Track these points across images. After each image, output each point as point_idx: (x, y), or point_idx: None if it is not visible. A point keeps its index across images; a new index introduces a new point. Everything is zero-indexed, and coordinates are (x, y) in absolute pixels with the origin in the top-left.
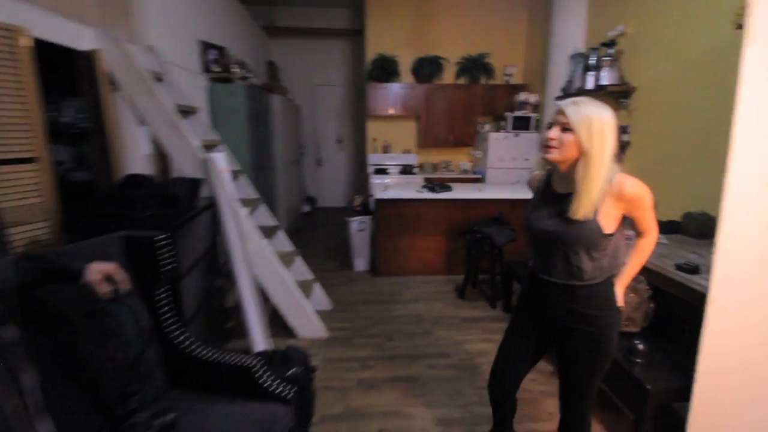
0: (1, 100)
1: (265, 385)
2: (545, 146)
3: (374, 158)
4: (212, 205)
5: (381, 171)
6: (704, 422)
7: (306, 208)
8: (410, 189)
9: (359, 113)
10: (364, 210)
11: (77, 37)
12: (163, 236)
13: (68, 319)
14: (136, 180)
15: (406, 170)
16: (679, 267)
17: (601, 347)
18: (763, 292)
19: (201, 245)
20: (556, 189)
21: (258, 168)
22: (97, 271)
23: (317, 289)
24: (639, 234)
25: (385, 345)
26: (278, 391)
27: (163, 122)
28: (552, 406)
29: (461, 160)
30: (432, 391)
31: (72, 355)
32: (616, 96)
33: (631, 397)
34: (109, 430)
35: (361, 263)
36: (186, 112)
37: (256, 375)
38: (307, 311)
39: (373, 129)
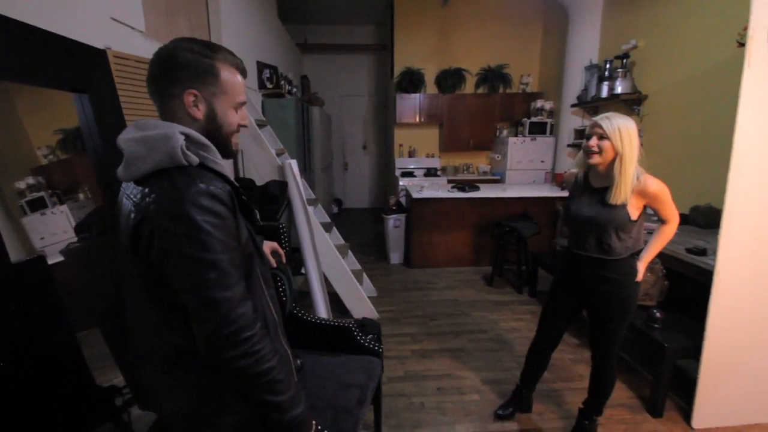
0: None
1: (362, 341)
2: (588, 153)
3: (400, 162)
4: (288, 203)
5: (407, 174)
6: (712, 375)
7: (334, 209)
8: (441, 189)
9: (383, 121)
10: (399, 208)
11: None
12: (283, 224)
13: None
14: (242, 183)
15: (430, 173)
16: (689, 250)
17: (624, 303)
18: (760, 268)
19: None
20: (593, 184)
21: (303, 173)
22: (268, 246)
23: (366, 278)
24: (662, 221)
25: (429, 323)
26: (372, 345)
27: (247, 134)
28: (581, 370)
29: (480, 162)
30: (477, 359)
31: None
32: (629, 103)
33: (650, 359)
34: None
35: (396, 256)
36: (260, 125)
37: (355, 333)
38: (361, 295)
39: (399, 135)
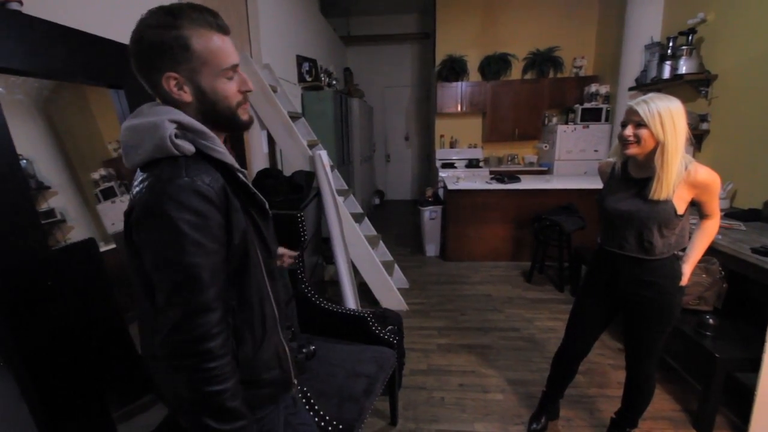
0: None
1: (377, 331)
2: (624, 143)
3: (441, 153)
4: (318, 194)
5: (448, 165)
6: None
7: (376, 201)
8: (480, 181)
9: (426, 112)
10: (435, 200)
11: None
12: (301, 213)
13: None
14: (269, 173)
15: (472, 164)
16: (755, 250)
17: (664, 311)
18: None
19: (312, 226)
20: (632, 175)
21: (340, 164)
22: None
23: (397, 269)
24: (705, 217)
25: (458, 318)
26: (387, 337)
27: (280, 126)
28: (620, 377)
29: (526, 153)
30: (504, 358)
31: None
32: (695, 85)
33: (699, 368)
34: None
35: (431, 249)
36: (294, 117)
37: (370, 323)
38: (390, 286)
39: (440, 126)
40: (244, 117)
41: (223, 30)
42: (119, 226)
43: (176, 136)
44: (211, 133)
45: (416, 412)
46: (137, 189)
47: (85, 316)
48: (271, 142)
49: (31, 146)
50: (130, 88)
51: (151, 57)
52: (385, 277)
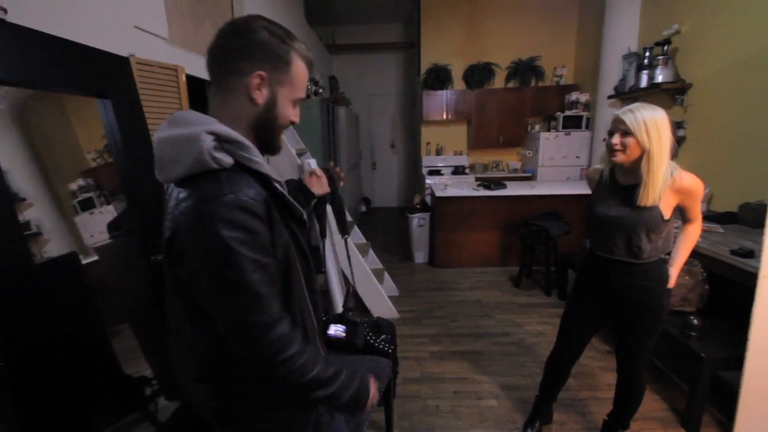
0: None
1: (372, 341)
2: (611, 151)
3: (428, 160)
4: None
5: (434, 172)
6: (756, 388)
7: (362, 208)
8: (466, 187)
9: (411, 119)
10: (423, 207)
11: None
12: None
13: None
14: None
15: (458, 171)
16: (733, 252)
17: (653, 313)
18: None
19: None
20: (620, 181)
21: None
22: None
23: (387, 277)
24: (688, 221)
25: (450, 325)
26: (383, 346)
27: None
28: (610, 379)
29: (511, 159)
30: (497, 363)
31: None
32: (671, 93)
33: (685, 369)
34: None
35: (420, 256)
36: None
37: (366, 332)
38: (381, 294)
39: (426, 133)
40: (280, 143)
41: (311, 71)
42: (98, 237)
43: (215, 148)
44: (250, 143)
45: (411, 421)
46: (178, 210)
47: (68, 333)
48: None
49: (5, 156)
50: (116, 97)
51: (253, 51)
52: (376, 285)
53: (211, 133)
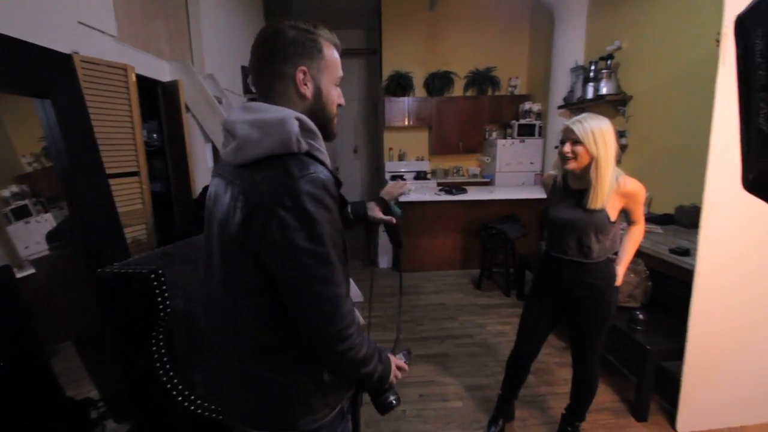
0: (119, 125)
1: None
2: (563, 159)
3: (391, 165)
4: None
5: (397, 177)
6: (695, 377)
7: None
8: (429, 192)
9: (374, 125)
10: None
11: (160, 70)
12: None
13: None
14: None
15: (420, 176)
16: (672, 251)
17: (603, 309)
18: (738, 264)
19: None
20: (572, 186)
21: None
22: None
23: (352, 282)
24: (632, 223)
25: (415, 329)
26: None
27: None
28: (565, 374)
29: (470, 165)
30: (461, 365)
31: None
32: (615, 104)
33: (633, 361)
34: None
35: (384, 261)
36: None
37: None
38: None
39: (389, 139)
40: (335, 128)
41: (339, 50)
42: (35, 249)
43: (300, 133)
44: (320, 134)
45: (378, 428)
46: (258, 189)
47: (1, 354)
48: (217, 155)
49: None
50: (58, 97)
51: (290, 49)
52: None
53: (297, 119)
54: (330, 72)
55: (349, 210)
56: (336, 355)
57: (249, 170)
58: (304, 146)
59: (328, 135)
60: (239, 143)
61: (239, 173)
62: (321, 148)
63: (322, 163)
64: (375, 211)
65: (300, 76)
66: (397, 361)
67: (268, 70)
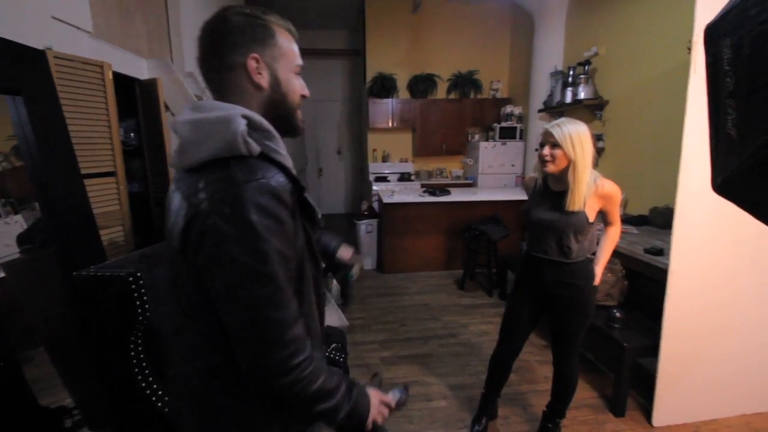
0: (95, 123)
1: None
2: (542, 161)
3: (375, 167)
4: None
5: (381, 179)
6: (670, 373)
7: None
8: (413, 193)
9: (358, 126)
10: (371, 213)
11: (138, 67)
12: None
13: None
14: None
15: (404, 177)
16: (647, 251)
17: (582, 308)
18: (709, 263)
19: None
20: (552, 188)
21: None
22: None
23: (334, 284)
24: (609, 224)
25: (399, 330)
26: (333, 356)
27: None
28: (546, 372)
29: (454, 167)
30: (445, 365)
31: None
32: (592, 108)
33: (611, 358)
34: None
35: (368, 262)
36: None
37: None
38: (330, 303)
39: (373, 140)
40: (300, 121)
41: (297, 38)
42: (4, 252)
43: (247, 133)
44: (277, 134)
45: None
46: (198, 197)
47: None
48: None
49: None
50: (30, 94)
51: (237, 37)
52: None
53: (245, 117)
54: (287, 59)
55: (321, 240)
56: (277, 389)
57: (194, 175)
58: (256, 148)
59: (292, 130)
60: (182, 146)
61: (184, 178)
62: (279, 149)
63: (282, 167)
64: (343, 253)
65: (252, 64)
66: (381, 396)
67: (217, 62)
